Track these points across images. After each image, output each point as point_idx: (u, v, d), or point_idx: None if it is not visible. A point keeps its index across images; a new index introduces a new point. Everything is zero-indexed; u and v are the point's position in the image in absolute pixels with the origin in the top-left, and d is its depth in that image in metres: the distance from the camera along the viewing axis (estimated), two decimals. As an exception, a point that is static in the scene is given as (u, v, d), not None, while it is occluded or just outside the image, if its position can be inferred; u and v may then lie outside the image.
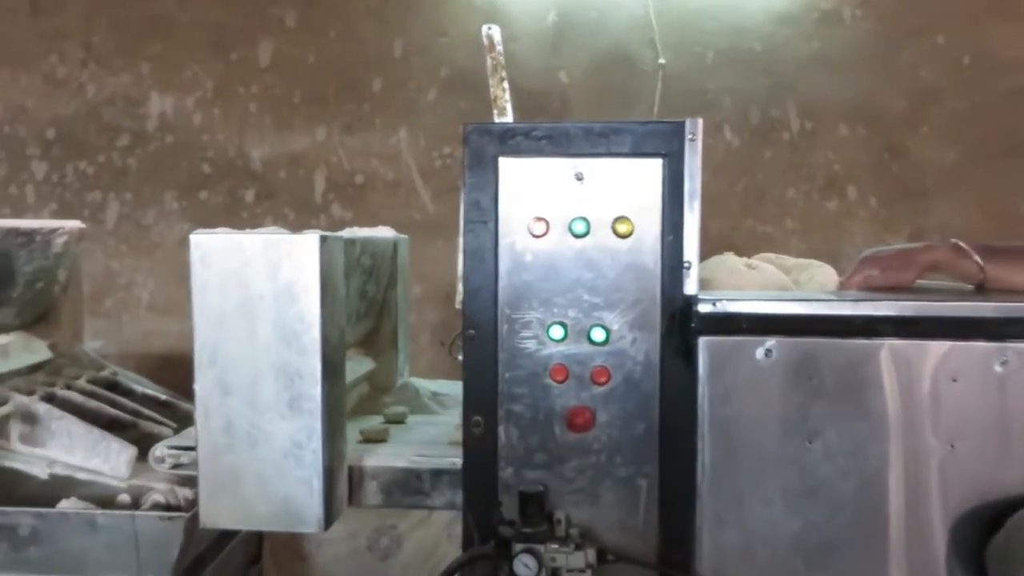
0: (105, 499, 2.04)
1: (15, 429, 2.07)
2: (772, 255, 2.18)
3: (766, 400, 1.57)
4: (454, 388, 2.45)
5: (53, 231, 2.35)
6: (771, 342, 1.56)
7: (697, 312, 1.57)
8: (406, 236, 2.65)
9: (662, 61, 3.73)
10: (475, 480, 1.66)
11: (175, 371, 2.80)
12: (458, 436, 1.70)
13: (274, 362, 1.72)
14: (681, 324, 1.59)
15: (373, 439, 2.03)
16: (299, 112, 3.85)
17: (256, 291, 1.72)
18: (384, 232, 2.51)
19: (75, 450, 2.05)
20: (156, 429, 2.22)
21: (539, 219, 1.62)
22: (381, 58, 3.82)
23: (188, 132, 3.85)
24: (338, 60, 3.82)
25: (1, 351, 2.27)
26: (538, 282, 1.62)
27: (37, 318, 2.46)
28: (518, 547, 1.52)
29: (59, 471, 2.05)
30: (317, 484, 1.70)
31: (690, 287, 1.59)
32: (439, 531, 2.47)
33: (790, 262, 2.12)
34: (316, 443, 1.70)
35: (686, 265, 1.58)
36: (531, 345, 1.63)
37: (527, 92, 3.63)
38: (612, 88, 3.79)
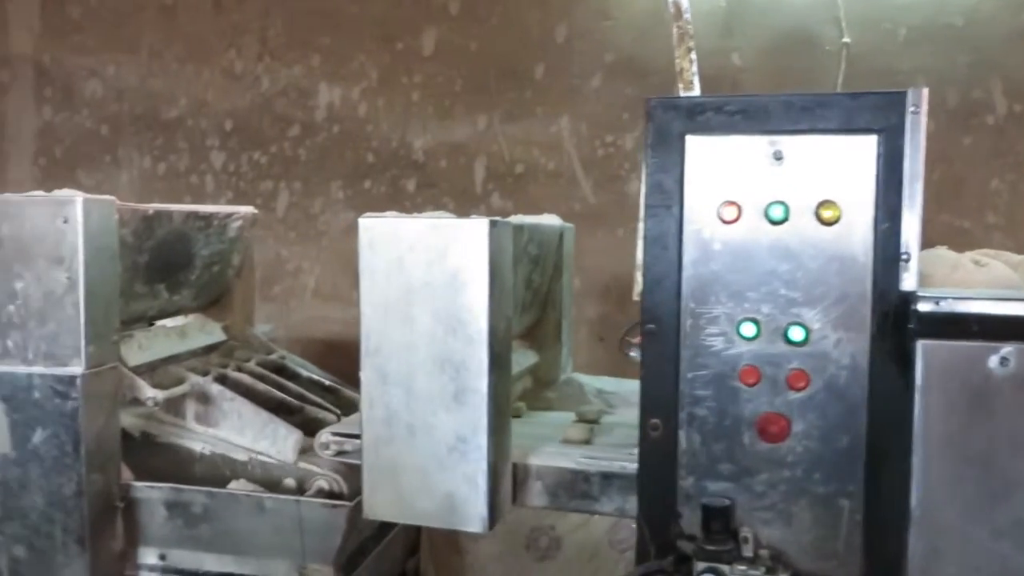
0: (271, 482, 2.05)
1: (190, 408, 2.13)
2: (991, 251, 1.90)
3: (999, 416, 1.34)
4: (620, 386, 2.32)
5: (229, 216, 2.41)
6: (1008, 349, 1.33)
7: (916, 311, 1.36)
8: (571, 225, 2.54)
9: (847, 40, 3.43)
10: (651, 488, 1.52)
11: (338, 357, 2.83)
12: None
13: (439, 352, 1.65)
14: (896, 325, 1.38)
15: (574, 440, 1.91)
16: (460, 100, 3.82)
17: (422, 277, 1.66)
18: (550, 220, 2.41)
19: (245, 431, 2.08)
20: (321, 414, 2.22)
21: (730, 203, 1.46)
22: (543, 44, 3.73)
23: (354, 122, 3.91)
24: (500, 47, 3.76)
25: (179, 331, 2.35)
26: (728, 273, 1.46)
27: (212, 301, 2.54)
28: (700, 565, 1.38)
29: (228, 451, 2.08)
30: (482, 482, 1.62)
31: (908, 282, 1.38)
32: (600, 536, 2.35)
33: (1015, 259, 1.84)
34: (481, 438, 1.62)
35: (904, 257, 1.38)
36: (718, 343, 1.47)
37: (696, 76, 3.43)
38: (789, 70, 3.52)
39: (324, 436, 1.96)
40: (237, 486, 1.99)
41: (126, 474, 2.02)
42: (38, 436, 1.88)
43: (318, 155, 3.97)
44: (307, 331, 3.89)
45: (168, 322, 2.39)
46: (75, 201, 1.84)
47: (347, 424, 2.04)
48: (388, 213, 1.74)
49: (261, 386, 2.22)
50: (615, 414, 2.14)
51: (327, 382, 2.46)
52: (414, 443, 1.66)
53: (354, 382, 1.81)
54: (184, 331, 2.36)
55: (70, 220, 1.84)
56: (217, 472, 2.08)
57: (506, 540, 2.43)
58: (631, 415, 2.05)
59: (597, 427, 2.02)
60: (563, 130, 3.73)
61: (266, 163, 4.02)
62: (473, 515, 1.63)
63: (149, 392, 1.97)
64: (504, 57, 3.77)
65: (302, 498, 1.91)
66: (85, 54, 4.16)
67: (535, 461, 1.78)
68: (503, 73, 3.77)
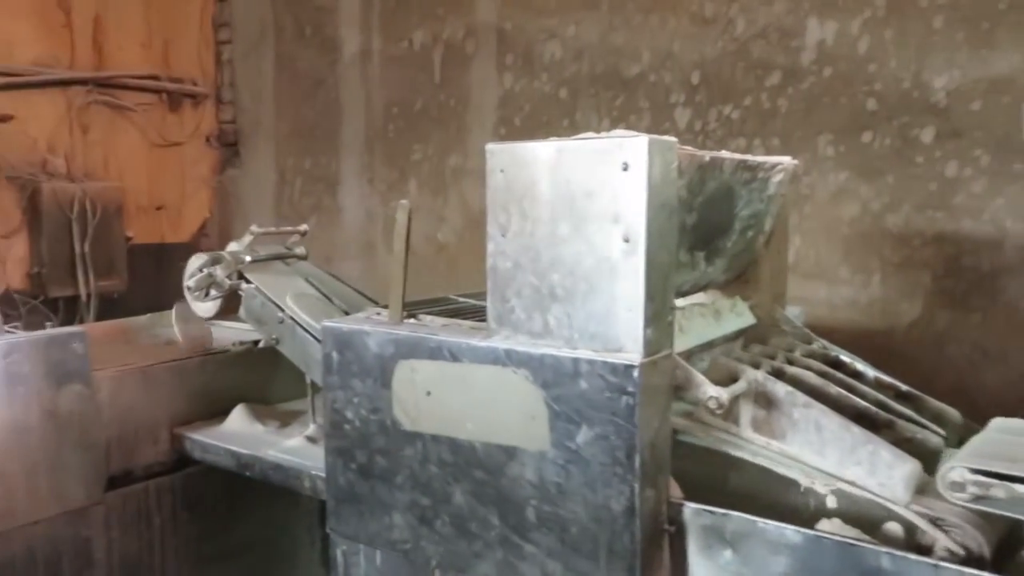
0: (862, 525, 1.50)
1: (746, 412, 1.65)
2: None
3: None
4: None
5: (773, 167, 1.90)
6: None
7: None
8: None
9: None
10: None
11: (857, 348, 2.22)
12: None
13: None
14: None
15: None
16: (1004, 23, 2.93)
17: None
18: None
19: (826, 451, 1.55)
20: (919, 434, 1.61)
21: None
22: None
23: (851, 62, 3.22)
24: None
25: (713, 311, 1.90)
26: None
27: (737, 274, 2.06)
28: None
29: (796, 474, 1.57)
30: None
31: None
32: None
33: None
34: None
35: None
36: None
37: None
38: None
39: (956, 472, 1.36)
40: (830, 527, 1.47)
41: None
42: (583, 435, 1.53)
43: (803, 105, 3.34)
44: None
45: (693, 299, 1.95)
46: (639, 143, 1.44)
47: (984, 457, 1.41)
48: None
49: (833, 389, 1.68)
50: None
51: (903, 386, 1.84)
52: None
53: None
54: (718, 311, 1.90)
55: (631, 167, 1.45)
56: (777, 499, 1.58)
57: None
58: None
59: None
60: None
61: (738, 118, 3.50)
62: None
63: (711, 390, 1.52)
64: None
65: (941, 564, 1.32)
66: (546, 15, 3.98)
67: None
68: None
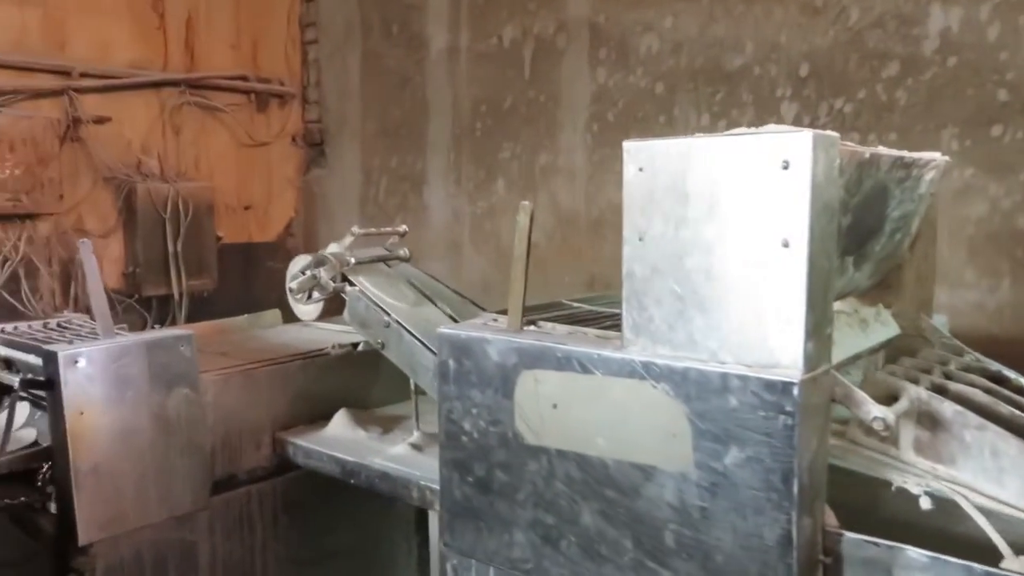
0: (1048, 561, 1.34)
1: (907, 433, 1.51)
2: None
3: None
4: None
5: (926, 164, 1.74)
6: None
7: None
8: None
9: None
10: None
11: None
12: None
13: None
14: None
15: None
16: None
17: None
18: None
19: (1004, 479, 1.40)
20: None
21: None
22: None
23: (979, 50, 3.00)
24: None
25: (857, 320, 1.75)
26: None
27: (880, 280, 1.91)
28: None
29: (970, 504, 1.42)
30: None
31: None
32: None
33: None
34: None
35: None
36: None
37: None
38: None
39: None
40: (1018, 566, 1.31)
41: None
42: (731, 456, 1.41)
43: (924, 97, 3.14)
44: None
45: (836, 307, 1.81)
46: (802, 138, 1.31)
47: None
48: None
49: (1004, 408, 1.52)
50: None
51: (1077, 405, 1.67)
52: None
53: None
54: (863, 320, 1.76)
55: (792, 165, 1.32)
56: (946, 530, 1.43)
57: None
58: None
59: None
60: None
61: (851, 112, 3.31)
62: None
63: (875, 410, 1.38)
64: None
65: None
66: (642, 8, 3.85)
67: None
68: None
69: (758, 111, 3.54)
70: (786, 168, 1.32)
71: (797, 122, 3.44)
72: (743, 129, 1.42)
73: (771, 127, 1.40)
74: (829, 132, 1.35)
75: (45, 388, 2.06)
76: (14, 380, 2.15)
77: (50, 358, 2.04)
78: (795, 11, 3.42)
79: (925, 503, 1.44)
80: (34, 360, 2.19)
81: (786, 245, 1.33)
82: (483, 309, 2.44)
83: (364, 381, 2.71)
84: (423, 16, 4.76)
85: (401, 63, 4.90)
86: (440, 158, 4.76)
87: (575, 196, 4.14)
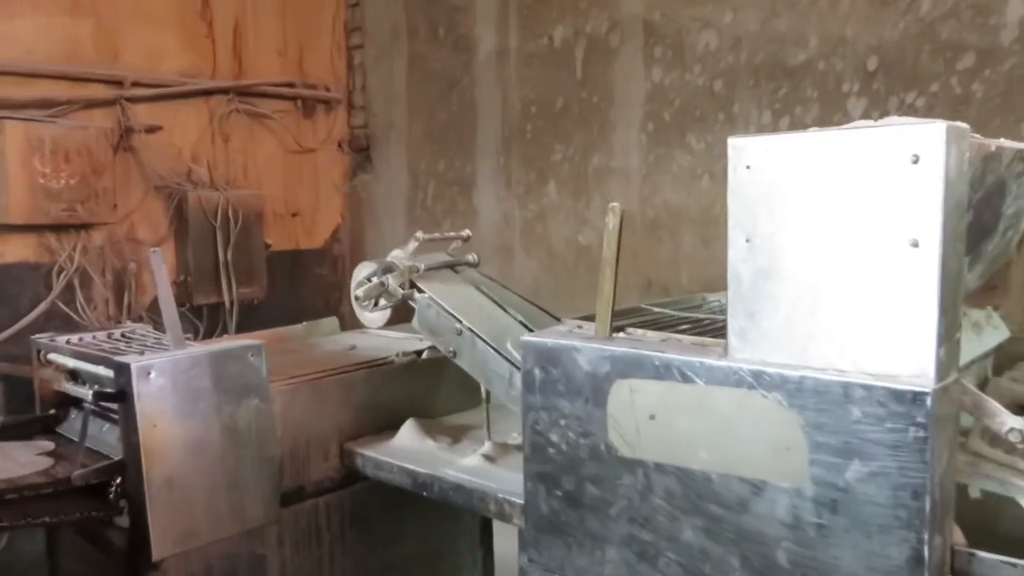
0: None
1: (1038, 444, 1.41)
2: None
3: None
4: None
5: (1042, 157, 1.64)
6: None
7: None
8: None
9: None
10: None
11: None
12: None
13: None
14: None
15: None
16: None
17: None
18: None
19: None
20: None
21: None
22: None
23: (1063, 39, 2.88)
24: None
25: (970, 324, 1.65)
26: None
27: (985, 281, 1.81)
28: None
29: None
30: None
31: None
32: None
33: None
34: None
35: None
36: None
37: None
38: None
39: None
40: None
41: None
42: (854, 471, 1.32)
43: (1002, 90, 3.01)
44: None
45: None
46: (935, 131, 1.22)
47: None
48: None
49: None
50: None
51: None
52: None
53: None
54: (976, 324, 1.66)
55: (923, 159, 1.23)
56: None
57: None
58: None
59: None
60: None
61: (923, 106, 3.19)
62: None
63: (1011, 420, 1.29)
64: None
65: None
66: (699, 3, 3.76)
67: None
68: None
69: (823, 107, 3.44)
70: (916, 162, 1.23)
71: (866, 116, 3.32)
72: (863, 122, 1.34)
73: (894, 119, 1.31)
74: (960, 123, 1.26)
75: (117, 400, 2.03)
76: (85, 393, 2.12)
77: (122, 370, 2.01)
78: (862, 3, 3.31)
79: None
80: (103, 372, 2.16)
81: (915, 245, 1.24)
82: (551, 315, 2.37)
83: (428, 389, 2.65)
84: (470, 18, 4.71)
85: (448, 66, 4.85)
86: (489, 161, 4.70)
87: (629, 198, 4.06)
